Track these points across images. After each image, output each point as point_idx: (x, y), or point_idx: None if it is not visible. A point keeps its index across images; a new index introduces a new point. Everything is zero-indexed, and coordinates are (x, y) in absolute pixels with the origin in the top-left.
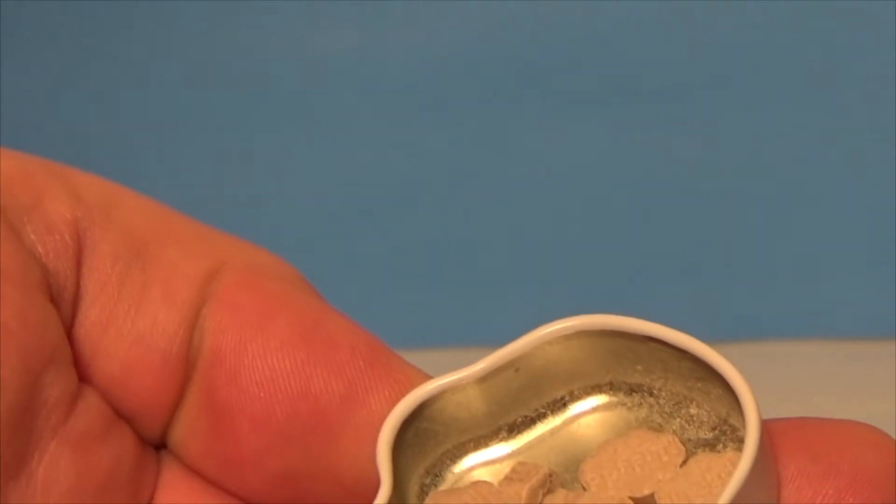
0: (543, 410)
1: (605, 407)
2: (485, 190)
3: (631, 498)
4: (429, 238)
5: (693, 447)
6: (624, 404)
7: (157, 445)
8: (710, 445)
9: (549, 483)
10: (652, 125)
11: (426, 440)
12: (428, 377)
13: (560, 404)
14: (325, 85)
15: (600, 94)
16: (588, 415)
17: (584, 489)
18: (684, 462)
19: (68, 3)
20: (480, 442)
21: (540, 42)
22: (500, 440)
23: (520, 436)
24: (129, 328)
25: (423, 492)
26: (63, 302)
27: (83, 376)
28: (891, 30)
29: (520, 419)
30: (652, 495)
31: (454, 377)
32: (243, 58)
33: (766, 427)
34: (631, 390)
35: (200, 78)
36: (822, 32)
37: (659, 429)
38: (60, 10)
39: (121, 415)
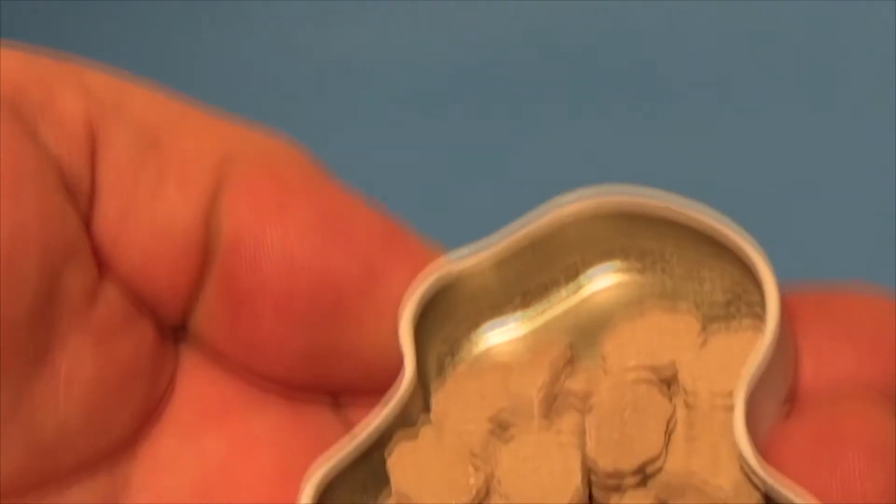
0: (556, 276)
1: (617, 272)
2: (485, 190)
3: (651, 366)
4: (428, 239)
5: (707, 311)
6: (636, 269)
7: (177, 334)
8: (724, 310)
9: (570, 358)
10: (652, 125)
11: (444, 318)
12: (444, 254)
13: (573, 270)
14: (326, 85)
15: (601, 93)
16: (601, 281)
17: (604, 369)
18: (704, 342)
19: (68, 3)
20: (495, 311)
21: (540, 42)
22: (515, 309)
23: (534, 303)
24: (147, 219)
25: (441, 363)
26: (80, 196)
27: (103, 269)
28: (891, 30)
29: (534, 286)
30: (672, 363)
31: (473, 259)
32: (244, 58)
33: (784, 300)
34: (642, 256)
35: (200, 78)
36: (822, 32)
37: (672, 296)
38: (60, 10)
39: (141, 305)
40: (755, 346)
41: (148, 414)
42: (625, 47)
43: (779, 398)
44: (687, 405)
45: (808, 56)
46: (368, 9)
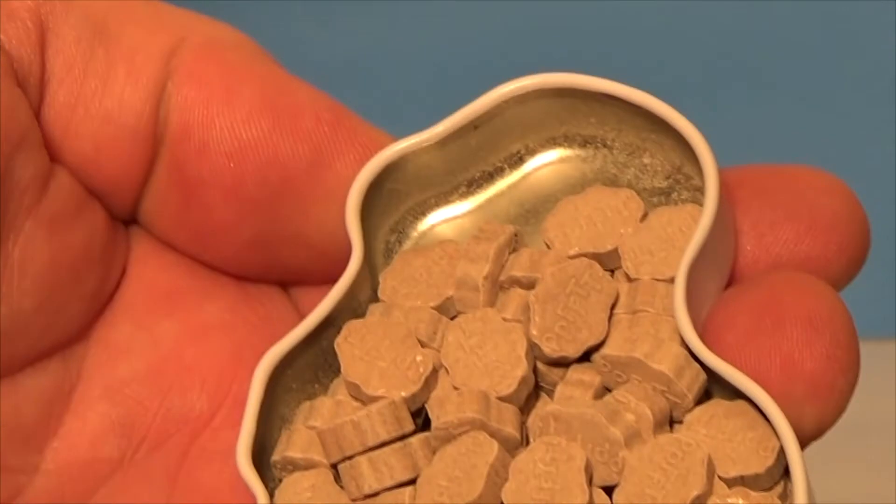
0: (501, 165)
1: (560, 160)
2: None
3: (594, 254)
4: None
5: (648, 196)
6: (578, 156)
7: (128, 222)
8: (665, 194)
9: (515, 242)
10: None
11: (390, 200)
12: (392, 139)
13: (517, 158)
14: (326, 86)
15: None
16: (544, 168)
17: (548, 247)
18: (644, 216)
19: None
20: (441, 198)
21: (541, 42)
22: (461, 196)
23: (479, 190)
24: (97, 107)
25: (389, 249)
26: (30, 86)
27: (54, 157)
28: (891, 30)
29: (478, 174)
30: (615, 250)
31: (417, 138)
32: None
33: (723, 176)
34: (585, 142)
35: None
36: (822, 32)
37: (614, 179)
38: None
39: (92, 193)
40: (695, 219)
41: (100, 302)
42: (625, 48)
43: (720, 276)
44: (629, 280)
45: (808, 55)
46: (369, 9)
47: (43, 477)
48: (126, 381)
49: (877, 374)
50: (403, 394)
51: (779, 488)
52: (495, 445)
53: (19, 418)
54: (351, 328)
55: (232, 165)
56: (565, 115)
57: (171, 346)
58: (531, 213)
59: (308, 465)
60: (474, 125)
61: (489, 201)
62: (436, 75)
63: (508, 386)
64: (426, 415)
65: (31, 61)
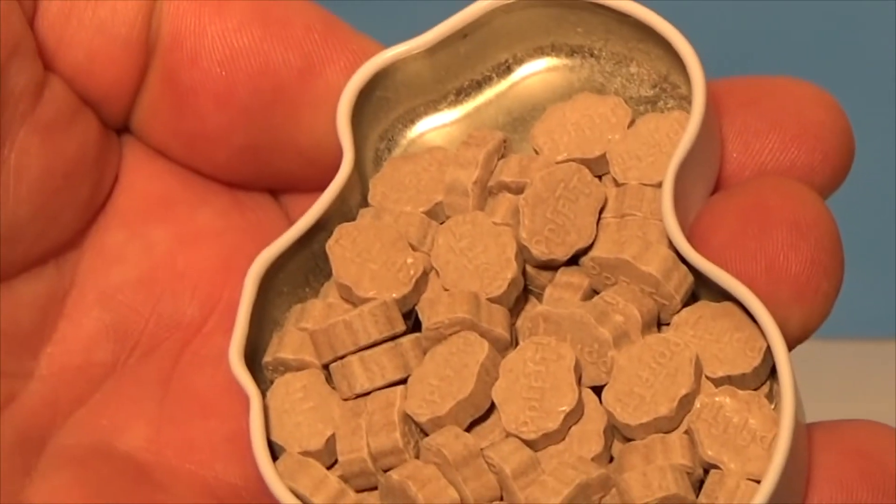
0: (489, 74)
1: (548, 69)
2: None
3: (582, 159)
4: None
5: (635, 105)
6: (566, 65)
7: (120, 131)
8: (652, 103)
9: (504, 148)
10: None
11: (380, 108)
12: (382, 47)
13: (504, 67)
14: None
15: None
16: (532, 77)
17: (537, 153)
18: (632, 123)
19: None
20: (430, 106)
21: None
22: (449, 104)
23: (468, 99)
24: (91, 17)
25: (378, 157)
26: None
27: (48, 66)
28: (891, 29)
29: (467, 83)
30: (603, 155)
31: (406, 45)
32: None
33: (710, 86)
34: (572, 52)
35: None
36: (821, 32)
37: (601, 88)
38: None
39: (85, 102)
40: (682, 125)
41: (94, 209)
42: None
43: (707, 182)
44: (617, 185)
45: (807, 55)
46: (369, 9)
47: (37, 381)
48: (119, 288)
49: (877, 374)
50: (394, 295)
51: (765, 389)
52: (485, 345)
53: (15, 324)
54: (342, 231)
55: (223, 73)
56: (553, 25)
57: (163, 253)
58: (519, 121)
59: (299, 366)
60: (463, 33)
61: (477, 110)
62: None
63: (498, 287)
64: (417, 318)
65: None
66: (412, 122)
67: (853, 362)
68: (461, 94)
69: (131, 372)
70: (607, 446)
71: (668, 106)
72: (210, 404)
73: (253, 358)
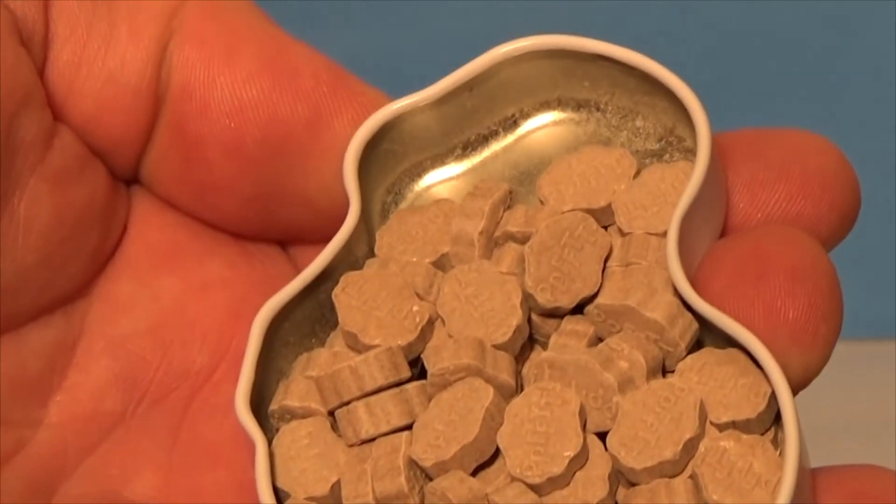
0: (495, 128)
1: (554, 123)
2: None
3: (588, 209)
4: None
5: (641, 158)
6: (572, 119)
7: (129, 182)
8: (658, 156)
9: (510, 199)
10: None
11: (387, 160)
12: (389, 99)
13: (511, 122)
14: None
15: None
16: (538, 131)
17: (543, 204)
18: (637, 174)
19: None
20: (437, 160)
21: None
22: (456, 158)
23: (474, 153)
24: (100, 67)
25: (385, 210)
26: (34, 45)
27: (58, 117)
28: (891, 29)
29: (473, 137)
30: (609, 206)
31: (413, 98)
32: None
33: (715, 137)
34: (579, 106)
35: None
36: (821, 32)
37: (607, 142)
38: None
39: (94, 152)
40: (688, 175)
41: (103, 258)
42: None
43: (712, 232)
44: (622, 234)
45: (808, 55)
46: (369, 8)
47: (46, 430)
48: (128, 337)
49: (877, 374)
50: (400, 342)
51: (770, 434)
52: (491, 390)
53: (23, 372)
54: (348, 279)
55: (232, 125)
56: (559, 79)
57: (172, 302)
58: (525, 175)
59: (305, 414)
60: (469, 86)
61: (484, 163)
62: (438, 74)
63: (504, 334)
64: (422, 366)
65: (35, 21)
66: (419, 175)
67: (853, 362)
68: (468, 147)
69: (140, 421)
70: (612, 492)
71: (674, 159)
72: (219, 453)
73: (259, 407)
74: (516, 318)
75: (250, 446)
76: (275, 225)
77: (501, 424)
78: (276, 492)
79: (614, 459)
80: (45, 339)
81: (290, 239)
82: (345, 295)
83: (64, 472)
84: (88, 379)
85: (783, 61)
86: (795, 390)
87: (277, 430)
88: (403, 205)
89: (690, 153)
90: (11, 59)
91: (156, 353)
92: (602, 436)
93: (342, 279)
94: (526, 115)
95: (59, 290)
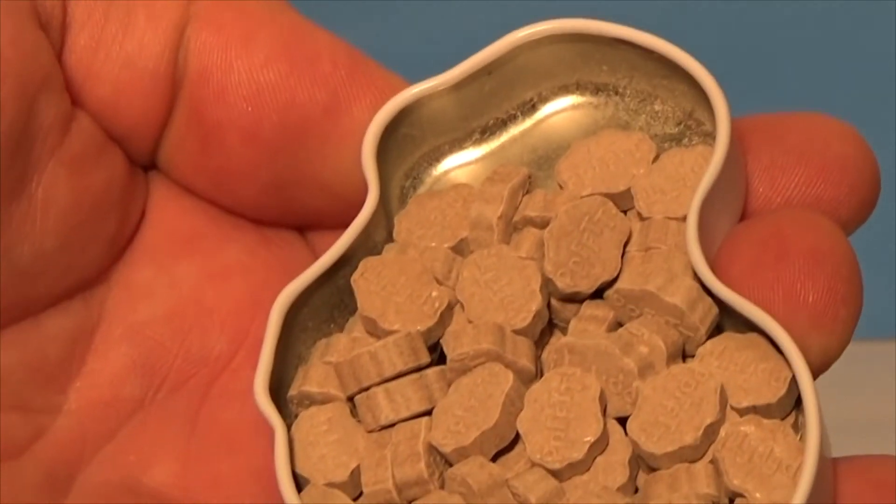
0: (514, 112)
1: (572, 107)
2: None
3: (607, 194)
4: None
5: (660, 142)
6: (591, 103)
7: (147, 168)
8: (677, 140)
9: (528, 184)
10: None
11: (405, 145)
12: (408, 84)
13: (529, 106)
14: None
15: None
16: (557, 115)
17: (561, 188)
18: (656, 158)
19: None
20: (455, 144)
21: None
22: (474, 142)
23: (492, 137)
24: (118, 51)
25: (404, 194)
26: (52, 29)
27: (76, 101)
28: (891, 29)
29: (492, 121)
30: (628, 190)
31: (432, 83)
32: None
33: (734, 122)
34: (597, 90)
35: None
36: (821, 33)
37: (626, 126)
38: None
39: (112, 137)
40: (707, 160)
41: (121, 244)
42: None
43: (731, 216)
44: (641, 219)
45: (808, 55)
46: (371, 9)
47: (65, 416)
48: (147, 323)
49: (877, 374)
50: (419, 328)
51: (790, 419)
52: (510, 375)
53: (42, 358)
54: (367, 265)
55: (250, 109)
56: (578, 63)
57: (190, 289)
58: (544, 159)
59: (324, 399)
60: (488, 70)
61: (502, 148)
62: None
63: (523, 319)
64: (441, 352)
65: (53, 5)
66: (437, 160)
67: (853, 362)
68: (486, 132)
69: (159, 407)
70: (632, 477)
71: (693, 143)
72: (237, 440)
73: (278, 393)
74: (536, 302)
75: (269, 432)
76: (293, 210)
77: (521, 410)
78: (296, 478)
79: (634, 445)
80: (64, 325)
81: (309, 224)
82: (364, 280)
83: (83, 458)
84: (107, 365)
85: (783, 61)
86: (815, 374)
87: (296, 416)
88: (422, 189)
89: (709, 137)
90: (31, 42)
91: (174, 339)
92: (622, 421)
93: (361, 264)
94: (544, 99)
95: (77, 276)
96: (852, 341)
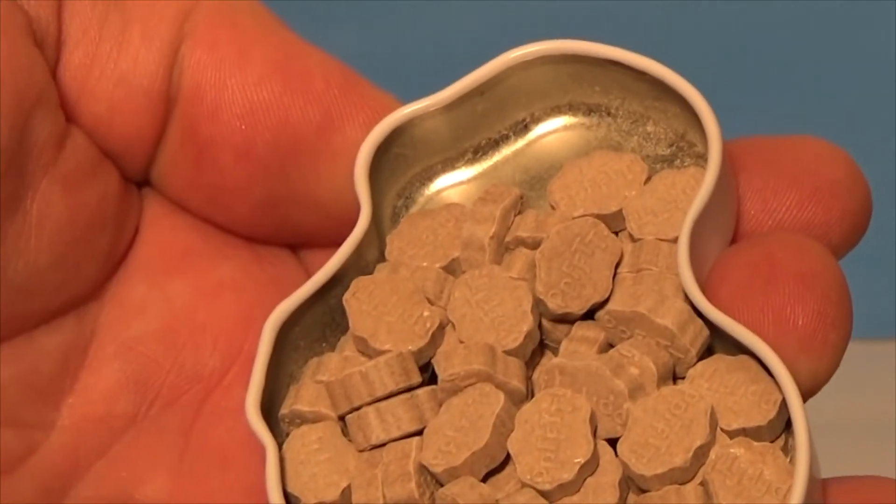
0: (506, 132)
1: (565, 128)
2: None
3: (599, 215)
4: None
5: (652, 163)
6: (583, 124)
7: (140, 185)
8: (668, 161)
9: (520, 204)
10: None
11: (397, 165)
12: (401, 103)
13: (522, 126)
14: None
15: None
16: (549, 135)
17: (553, 209)
18: (648, 179)
19: None
20: (448, 164)
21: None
22: (466, 162)
23: (485, 157)
24: (112, 69)
25: (396, 214)
26: (47, 46)
27: (70, 118)
28: (891, 30)
29: (484, 141)
30: (619, 211)
31: (424, 102)
32: None
33: (727, 145)
34: (589, 111)
35: None
36: (821, 32)
37: (618, 147)
38: None
39: (106, 154)
40: (699, 182)
41: (114, 261)
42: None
43: (723, 238)
44: (633, 240)
45: (808, 55)
46: (372, 8)
47: (59, 433)
48: (140, 339)
49: (877, 374)
50: (410, 348)
51: (780, 442)
52: (501, 396)
53: (36, 374)
54: (359, 284)
55: (243, 127)
56: (570, 84)
57: (184, 305)
58: (536, 179)
59: (316, 419)
60: (480, 91)
61: (494, 168)
62: (439, 74)
63: (514, 340)
64: (432, 371)
65: (48, 22)
66: (429, 179)
67: (853, 362)
68: (478, 152)
69: (152, 424)
70: (622, 498)
71: (685, 164)
72: (230, 457)
73: (269, 411)
74: (527, 323)
75: (261, 450)
76: (286, 228)
77: (512, 430)
78: (287, 496)
79: (625, 466)
80: (58, 341)
81: (301, 243)
82: (355, 300)
83: (75, 474)
84: (100, 381)
85: (783, 61)
86: (804, 398)
87: (287, 435)
88: (414, 209)
89: (701, 159)
90: (26, 59)
91: (167, 355)
92: (612, 442)
93: (353, 284)
94: (537, 120)
95: (71, 293)
96: (852, 341)
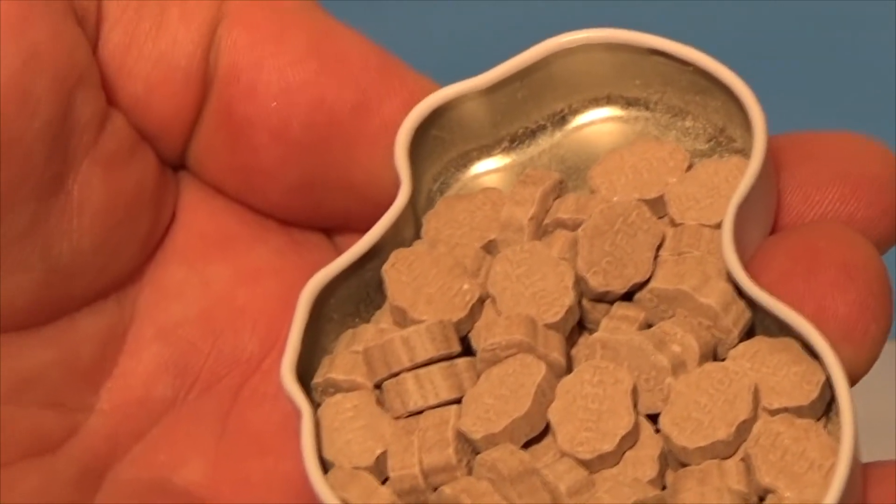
0: (543, 123)
1: (602, 120)
2: None
3: (639, 200)
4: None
5: (690, 158)
6: (621, 118)
7: (176, 168)
8: (707, 156)
9: (560, 189)
10: None
11: (434, 148)
12: (438, 86)
13: (560, 117)
14: None
15: None
16: (586, 127)
17: (593, 193)
18: (689, 167)
19: None
20: (484, 151)
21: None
22: (503, 150)
23: (521, 146)
24: (151, 49)
25: (431, 198)
26: (87, 25)
27: (109, 98)
28: (891, 30)
29: (521, 130)
30: (660, 197)
31: (465, 85)
32: None
33: (770, 141)
34: (628, 104)
35: None
36: (821, 32)
37: (657, 140)
38: None
39: (143, 135)
40: (741, 171)
41: (152, 245)
42: None
43: (763, 229)
44: (674, 225)
45: (808, 55)
46: (373, 9)
47: (98, 416)
48: (179, 323)
49: (877, 374)
50: (451, 318)
51: (821, 423)
52: (543, 366)
53: (77, 357)
54: (399, 256)
55: (279, 108)
56: (611, 74)
57: (222, 289)
58: (573, 170)
59: (350, 387)
60: (521, 76)
61: (530, 158)
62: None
63: (555, 314)
64: (467, 347)
65: (88, 3)
66: (465, 165)
67: None
68: (515, 141)
69: (190, 407)
70: (661, 472)
71: (723, 159)
72: (267, 441)
73: (303, 382)
74: (569, 298)
75: (298, 431)
76: (320, 211)
77: (552, 401)
78: (322, 463)
79: (666, 439)
80: (98, 324)
81: (336, 225)
82: (394, 270)
83: (114, 456)
84: (139, 365)
85: (783, 61)
86: None
87: (321, 404)
88: (449, 194)
89: (741, 154)
90: (69, 39)
91: (206, 339)
92: (652, 418)
93: (392, 255)
94: (574, 112)
95: (112, 276)
96: None
